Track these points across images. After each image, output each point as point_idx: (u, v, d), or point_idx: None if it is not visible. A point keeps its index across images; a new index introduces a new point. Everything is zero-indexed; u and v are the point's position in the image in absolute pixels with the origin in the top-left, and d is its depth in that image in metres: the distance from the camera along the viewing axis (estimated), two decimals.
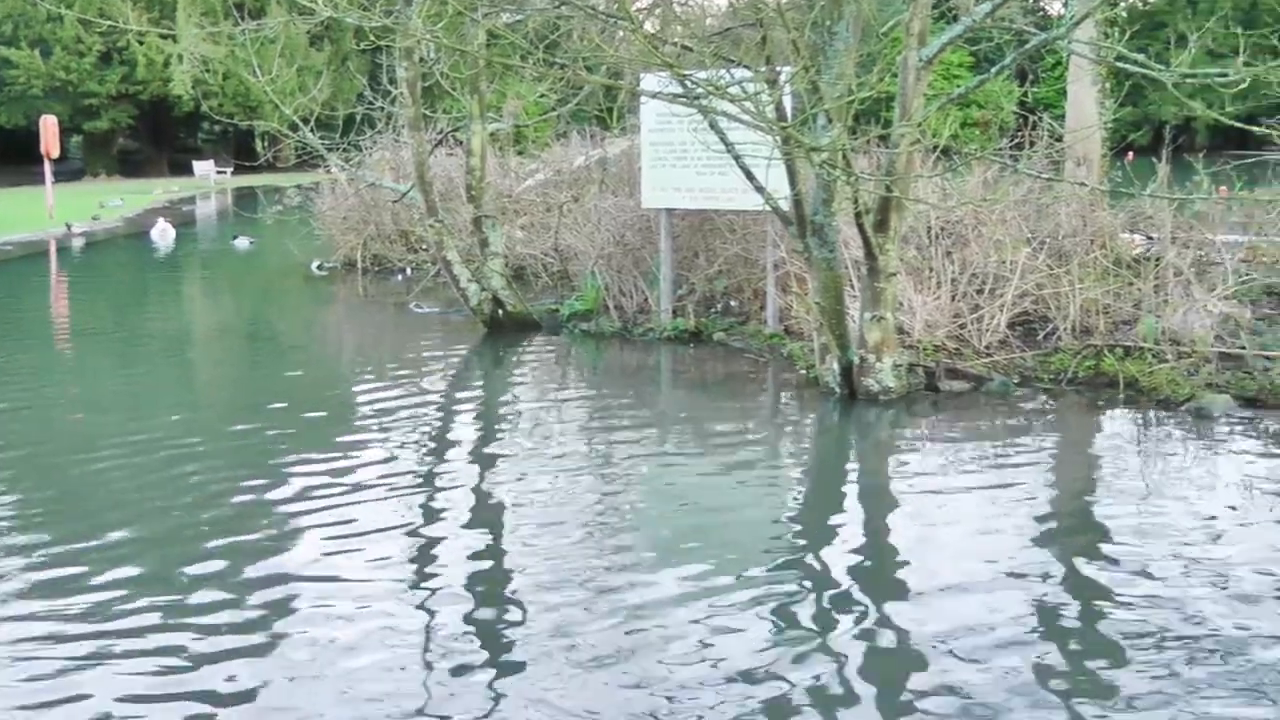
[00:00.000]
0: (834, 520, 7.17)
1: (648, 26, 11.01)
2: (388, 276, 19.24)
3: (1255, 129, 8.99)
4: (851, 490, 8.06)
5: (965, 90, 10.78)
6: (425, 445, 8.92)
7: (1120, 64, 9.24)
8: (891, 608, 5.64)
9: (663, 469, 8.19)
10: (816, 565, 6.29)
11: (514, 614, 5.62)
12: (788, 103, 9.81)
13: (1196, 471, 7.87)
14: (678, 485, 7.76)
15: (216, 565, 6.27)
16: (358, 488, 7.63)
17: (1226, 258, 11.32)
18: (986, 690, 4.71)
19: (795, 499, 7.74)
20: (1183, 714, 4.51)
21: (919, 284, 11.02)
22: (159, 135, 62.10)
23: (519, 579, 6.06)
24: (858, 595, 5.83)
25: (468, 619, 5.58)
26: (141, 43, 52.88)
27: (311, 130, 14.68)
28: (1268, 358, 9.83)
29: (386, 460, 8.31)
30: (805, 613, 5.61)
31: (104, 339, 14.65)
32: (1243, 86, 7.82)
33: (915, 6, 9.09)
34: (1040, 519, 6.93)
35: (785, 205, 9.59)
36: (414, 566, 6.32)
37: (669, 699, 4.72)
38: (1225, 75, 7.83)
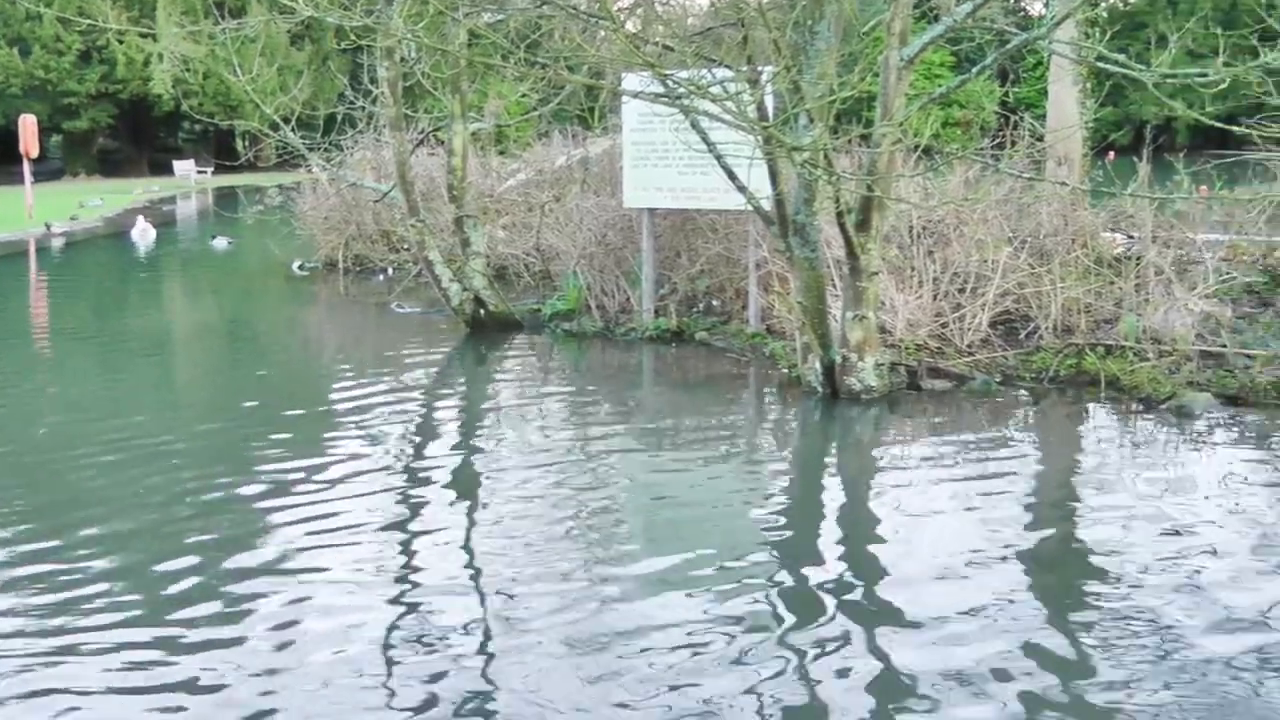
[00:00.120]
0: (815, 517, 7.19)
1: (629, 26, 11.00)
2: (369, 276, 19.19)
3: (1235, 129, 9.01)
4: (833, 488, 8.05)
5: (947, 90, 10.77)
6: (406, 444, 8.89)
7: (1101, 64, 9.26)
8: (871, 603, 5.65)
9: (644, 468, 8.17)
10: (798, 561, 6.29)
11: (493, 608, 5.62)
12: (769, 102, 9.80)
13: (1178, 469, 7.88)
14: (659, 484, 7.75)
15: (193, 561, 6.26)
16: (337, 485, 7.61)
17: (1207, 256, 11.36)
18: (968, 690, 4.71)
19: (777, 497, 7.73)
20: (1172, 704, 4.53)
21: (901, 283, 11.04)
22: (139, 135, 61.88)
23: (499, 575, 6.04)
24: (838, 590, 5.83)
25: (447, 613, 5.57)
26: (121, 41, 52.64)
27: (292, 130, 14.63)
28: (1248, 356, 9.86)
29: (366, 458, 8.28)
30: (787, 606, 5.61)
31: (83, 339, 14.57)
32: (1222, 86, 7.85)
33: (896, 6, 9.09)
34: (1021, 517, 6.94)
35: (767, 205, 9.59)
36: (393, 562, 6.31)
37: (648, 690, 4.73)
38: (1205, 75, 7.86)
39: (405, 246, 18.11)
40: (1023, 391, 9.85)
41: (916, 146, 10.86)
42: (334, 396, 10.52)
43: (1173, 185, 12.65)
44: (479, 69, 15.87)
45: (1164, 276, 10.85)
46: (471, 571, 6.19)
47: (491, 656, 5.12)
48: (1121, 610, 5.47)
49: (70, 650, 5.22)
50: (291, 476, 7.81)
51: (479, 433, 9.48)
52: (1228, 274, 11.43)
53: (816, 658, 5.05)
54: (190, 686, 4.87)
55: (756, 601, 5.65)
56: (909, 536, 6.63)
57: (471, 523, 7.00)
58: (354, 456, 8.35)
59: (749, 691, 4.73)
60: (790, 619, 5.48)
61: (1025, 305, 11.19)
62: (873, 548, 6.55)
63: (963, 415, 9.30)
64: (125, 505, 7.30)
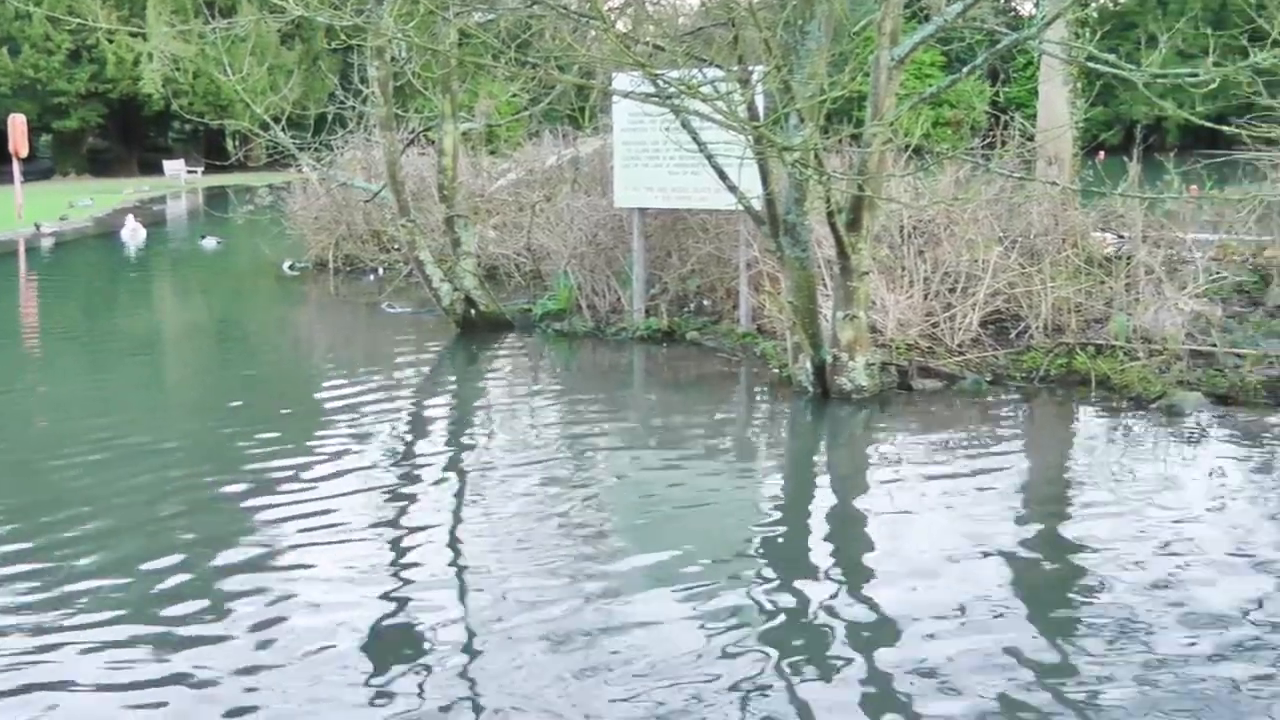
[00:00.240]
0: (805, 516, 7.19)
1: (620, 26, 11.00)
2: (360, 276, 19.15)
3: (1225, 128, 9.03)
4: (823, 487, 8.05)
5: (937, 90, 10.79)
6: (395, 442, 8.88)
7: (1091, 64, 9.27)
8: (857, 601, 5.66)
9: (634, 467, 8.16)
10: (785, 559, 6.30)
11: (480, 605, 5.62)
12: (760, 102, 9.80)
13: (1168, 468, 7.90)
14: (650, 483, 7.74)
15: (180, 558, 6.27)
16: (325, 483, 7.61)
17: (1197, 256, 11.38)
18: (961, 688, 4.71)
19: (767, 496, 7.75)
20: (1150, 701, 4.53)
21: (892, 283, 11.04)
22: (129, 134, 61.73)
23: (488, 573, 6.04)
24: (828, 588, 5.84)
25: (434, 610, 5.57)
26: (111, 41, 52.57)
27: (283, 129, 14.59)
28: (1238, 355, 9.88)
29: (355, 457, 8.27)
30: (773, 604, 5.62)
31: (73, 339, 14.54)
32: (1212, 86, 7.87)
33: (887, 6, 9.09)
34: (1009, 516, 6.94)
35: (758, 205, 9.59)
36: (380, 560, 6.31)
37: (634, 686, 4.74)
38: (1195, 75, 7.86)
39: (396, 246, 18.09)
40: (1013, 391, 9.85)
41: (907, 146, 10.87)
42: (324, 396, 10.50)
43: (1163, 185, 12.65)
44: (469, 69, 15.85)
45: (1154, 276, 10.86)
46: (459, 569, 6.19)
47: (478, 653, 5.13)
48: (1105, 608, 5.50)
49: (56, 647, 5.21)
50: (280, 475, 7.81)
51: (469, 432, 9.47)
52: (1218, 273, 11.45)
53: (801, 655, 5.06)
54: (176, 682, 4.87)
55: (743, 599, 5.65)
56: (897, 535, 6.64)
57: (460, 521, 7.00)
58: (343, 455, 8.34)
59: (733, 688, 4.74)
60: (776, 617, 5.49)
61: (1016, 305, 11.20)
62: (861, 546, 6.56)
63: (953, 415, 9.30)
64: (112, 503, 7.28)
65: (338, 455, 8.37)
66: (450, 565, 6.27)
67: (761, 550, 6.44)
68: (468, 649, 5.17)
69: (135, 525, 6.87)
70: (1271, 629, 5.23)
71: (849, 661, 5.02)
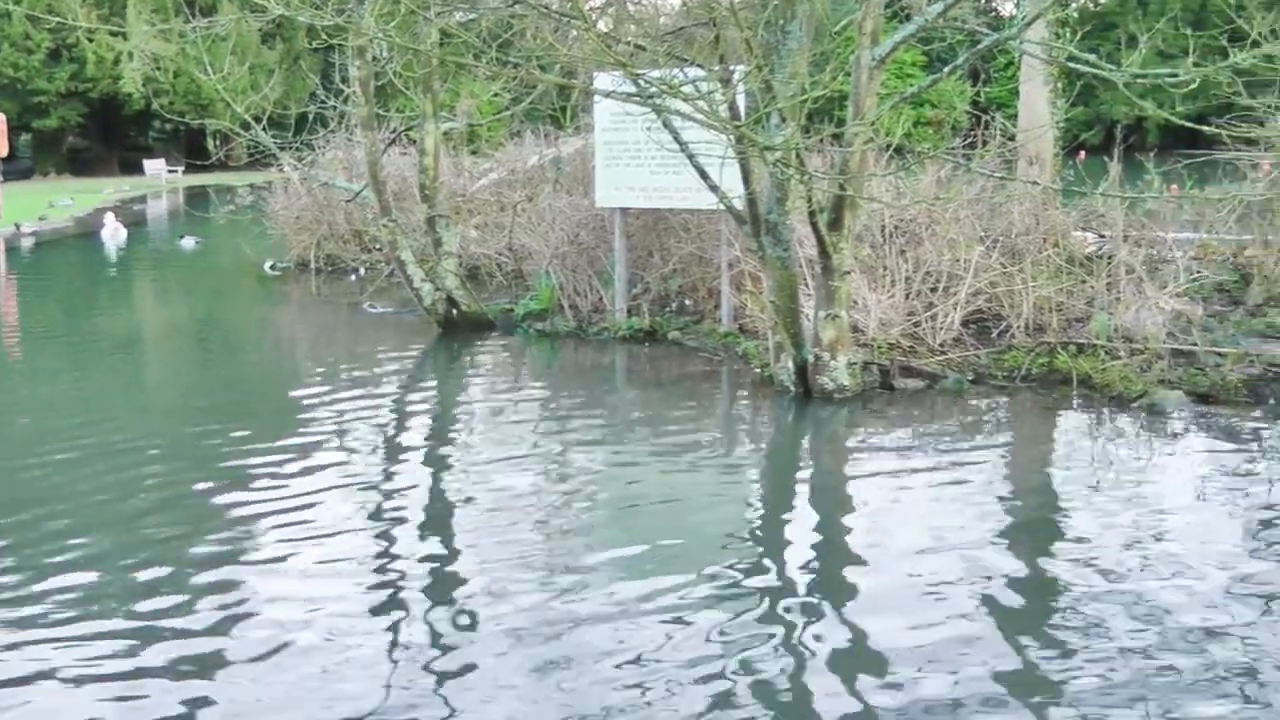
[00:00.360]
0: (787, 515, 7.20)
1: (601, 25, 10.99)
2: (341, 276, 19.08)
3: (1205, 128, 9.07)
4: (805, 486, 8.04)
5: (918, 89, 10.81)
6: (377, 444, 8.86)
7: (1072, 64, 9.29)
8: (843, 600, 5.67)
9: (617, 467, 8.16)
10: (769, 559, 6.29)
11: (466, 610, 5.60)
12: (741, 102, 9.80)
13: (1149, 467, 7.93)
14: (632, 483, 7.74)
15: (157, 554, 6.26)
16: (303, 481, 7.61)
17: (1178, 255, 11.41)
18: (937, 683, 4.71)
19: (749, 495, 7.75)
20: (1134, 707, 4.53)
21: (873, 282, 11.05)
22: (109, 133, 61.41)
23: (471, 576, 6.02)
24: (810, 588, 5.85)
25: (419, 615, 5.55)
26: (91, 40, 52.25)
27: (264, 129, 14.55)
28: (1219, 354, 9.91)
29: (338, 458, 8.24)
30: (757, 605, 5.61)
31: (53, 340, 14.44)
32: (1192, 87, 7.89)
33: (868, 6, 9.10)
34: (993, 514, 6.96)
35: (739, 204, 9.58)
36: (358, 556, 6.31)
37: (616, 679, 4.76)
38: (1175, 75, 7.89)
39: (377, 246, 18.03)
40: (995, 390, 9.87)
41: (888, 146, 10.87)
42: (304, 395, 10.46)
43: (1143, 185, 12.70)
44: (451, 68, 15.81)
45: (1135, 275, 10.89)
46: (444, 575, 6.15)
47: (455, 648, 5.15)
48: (1082, 598, 5.56)
49: (30, 644, 5.20)
50: (257, 472, 7.81)
51: (452, 434, 9.44)
52: (1198, 273, 11.48)
53: (775, 646, 5.11)
54: (150, 675, 4.89)
55: (724, 595, 5.67)
56: (876, 532, 6.65)
57: (440, 518, 7.00)
58: (320, 453, 8.33)
59: (715, 677, 4.78)
60: (756, 611, 5.51)
61: (997, 304, 11.22)
62: (840, 544, 6.58)
63: (935, 414, 9.31)
64: (88, 500, 7.27)
65: (315, 453, 8.36)
66: (430, 562, 6.26)
67: (739, 547, 6.46)
68: (446, 645, 5.19)
69: (111, 521, 6.86)
70: (1231, 622, 5.29)
71: (823, 653, 5.07)
